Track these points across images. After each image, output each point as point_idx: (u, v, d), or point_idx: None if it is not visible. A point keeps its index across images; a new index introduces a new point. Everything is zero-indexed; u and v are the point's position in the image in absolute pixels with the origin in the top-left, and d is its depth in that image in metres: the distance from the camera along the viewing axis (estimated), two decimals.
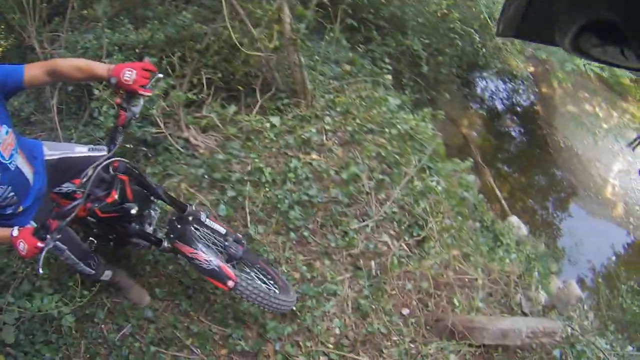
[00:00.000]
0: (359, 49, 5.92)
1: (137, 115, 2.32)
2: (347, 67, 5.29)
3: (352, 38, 5.90)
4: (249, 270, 3.03)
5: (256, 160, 3.96)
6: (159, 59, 4.33)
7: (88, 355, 3.05)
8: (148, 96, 2.26)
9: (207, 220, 2.86)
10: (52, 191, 2.57)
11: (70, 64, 2.24)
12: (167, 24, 4.87)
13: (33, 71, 2.16)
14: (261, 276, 3.04)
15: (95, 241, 2.60)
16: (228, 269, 2.66)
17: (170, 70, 4.32)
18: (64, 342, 3.05)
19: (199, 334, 3.15)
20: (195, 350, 3.10)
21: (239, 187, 3.82)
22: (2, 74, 2.10)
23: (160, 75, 2.41)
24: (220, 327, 3.19)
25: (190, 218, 2.78)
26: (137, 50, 4.81)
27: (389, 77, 5.45)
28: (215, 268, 2.63)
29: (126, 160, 2.43)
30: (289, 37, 4.17)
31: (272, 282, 3.03)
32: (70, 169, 2.55)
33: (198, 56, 4.61)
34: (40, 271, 2.03)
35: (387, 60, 5.80)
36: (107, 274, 3.00)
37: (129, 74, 2.14)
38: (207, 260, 2.63)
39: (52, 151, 2.60)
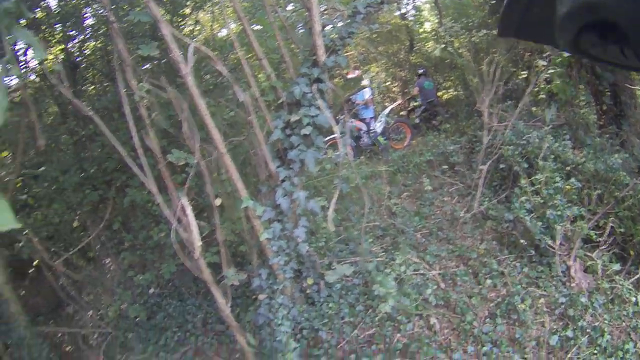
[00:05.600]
0: None
1: None
2: None
3: None
4: None
5: (605, 321, 4.19)
6: (581, 188, 4.90)
7: None
8: None
9: None
10: None
11: None
12: (600, 158, 4.91)
13: None
14: None
15: None
16: None
17: (586, 201, 4.90)
18: None
19: None
20: None
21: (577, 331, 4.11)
22: None
23: None
24: None
25: None
26: (567, 168, 5.13)
27: None
28: None
29: None
30: None
31: None
32: None
33: (613, 202, 4.85)
34: None
35: None
36: None
37: None
38: None
39: None
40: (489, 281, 4.83)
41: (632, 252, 4.84)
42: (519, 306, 4.42)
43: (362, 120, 9.11)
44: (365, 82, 8.80)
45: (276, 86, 4.48)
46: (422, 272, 5.00)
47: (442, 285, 4.88)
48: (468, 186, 6.35)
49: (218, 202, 4.15)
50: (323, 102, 4.26)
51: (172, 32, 3.81)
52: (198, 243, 3.84)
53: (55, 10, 6.40)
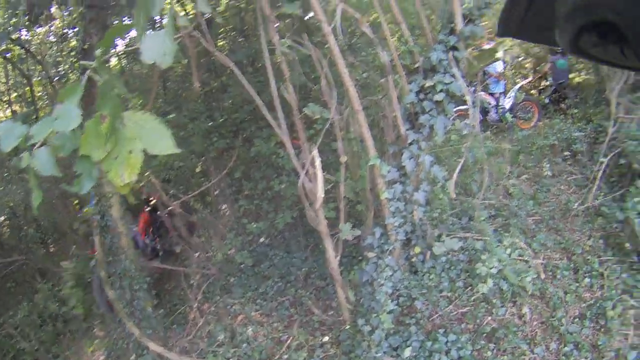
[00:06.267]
0: None
1: None
2: None
3: None
4: None
5: None
6: None
7: None
8: None
9: None
10: None
11: None
12: None
13: None
14: None
15: None
16: None
17: None
18: None
19: None
20: None
21: None
22: None
23: None
24: None
25: None
26: None
27: None
28: None
29: None
30: None
31: None
32: None
33: None
34: None
35: None
36: None
37: None
38: None
39: None
40: (587, 280, 4.76)
41: None
42: (609, 312, 4.33)
43: (492, 94, 8.87)
44: (499, 54, 8.48)
45: (413, 50, 4.51)
46: (526, 258, 4.95)
47: (542, 275, 4.83)
48: (586, 177, 6.08)
49: (343, 159, 4.30)
50: (458, 71, 4.26)
51: None
52: (321, 194, 4.02)
53: None
